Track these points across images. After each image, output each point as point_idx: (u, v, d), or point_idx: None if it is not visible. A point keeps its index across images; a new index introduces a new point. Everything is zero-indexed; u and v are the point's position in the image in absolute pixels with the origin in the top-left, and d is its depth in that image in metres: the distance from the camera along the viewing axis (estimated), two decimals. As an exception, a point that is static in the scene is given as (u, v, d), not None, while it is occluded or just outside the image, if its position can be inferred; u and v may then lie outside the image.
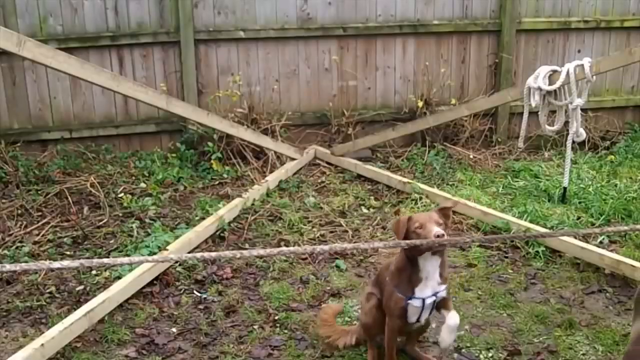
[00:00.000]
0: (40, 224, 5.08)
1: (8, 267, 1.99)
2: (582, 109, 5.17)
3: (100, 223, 5.12)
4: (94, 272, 4.43)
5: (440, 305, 3.26)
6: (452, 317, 3.20)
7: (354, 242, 4.91)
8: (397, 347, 3.44)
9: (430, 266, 3.14)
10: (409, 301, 3.18)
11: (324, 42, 6.70)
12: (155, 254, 4.42)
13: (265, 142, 6.20)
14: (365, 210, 5.48)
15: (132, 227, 5.00)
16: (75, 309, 3.83)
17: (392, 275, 3.24)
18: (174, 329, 3.86)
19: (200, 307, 4.09)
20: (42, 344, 3.39)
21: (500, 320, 3.95)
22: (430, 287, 3.17)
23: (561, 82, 4.96)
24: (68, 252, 4.70)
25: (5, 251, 4.64)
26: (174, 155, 6.32)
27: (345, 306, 4.06)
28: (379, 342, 3.48)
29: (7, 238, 4.85)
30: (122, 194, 5.57)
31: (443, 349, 3.40)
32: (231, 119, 6.19)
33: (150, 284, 4.23)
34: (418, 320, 3.28)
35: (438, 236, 2.97)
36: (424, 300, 3.17)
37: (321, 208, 5.49)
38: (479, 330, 3.84)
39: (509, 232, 4.88)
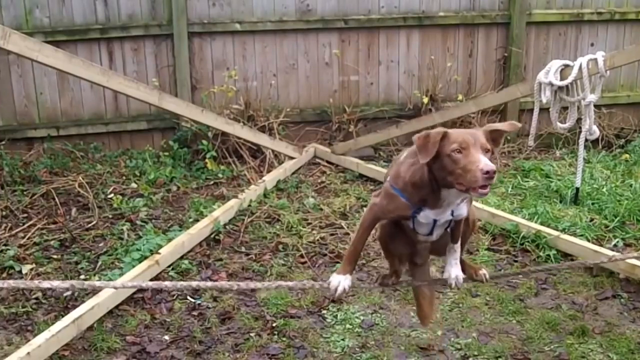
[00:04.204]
0: (26, 226, 5.08)
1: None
2: (595, 106, 5.17)
3: (89, 225, 5.12)
4: (82, 276, 4.43)
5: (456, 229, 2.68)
6: (451, 270, 2.74)
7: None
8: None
9: (455, 197, 2.52)
10: (416, 215, 2.58)
11: (324, 35, 6.70)
12: (146, 257, 4.42)
13: (263, 140, 6.20)
14: (367, 212, 5.48)
15: (122, 229, 5.00)
16: (62, 316, 3.84)
17: (403, 184, 2.55)
18: (166, 337, 3.86)
19: (194, 313, 4.09)
20: (28, 353, 3.39)
21: (510, 327, 3.95)
22: (448, 212, 2.57)
23: (573, 77, 4.96)
24: (55, 256, 4.70)
25: (-11, 255, 4.64)
26: (166, 154, 6.32)
27: (346, 313, 4.07)
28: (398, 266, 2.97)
29: (-9, 241, 4.86)
30: (112, 195, 5.57)
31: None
32: (227, 116, 6.19)
33: (142, 289, 4.23)
34: (429, 234, 2.69)
35: (487, 172, 2.27)
36: (435, 220, 2.59)
37: (321, 209, 5.49)
38: (487, 337, 3.84)
39: (518, 235, 4.88)
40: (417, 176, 2.50)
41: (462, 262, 3.00)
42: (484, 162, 2.29)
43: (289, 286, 3.17)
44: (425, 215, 2.57)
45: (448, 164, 2.37)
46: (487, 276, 2.90)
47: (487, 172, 2.27)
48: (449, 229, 2.70)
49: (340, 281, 2.68)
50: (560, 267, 4.15)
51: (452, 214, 2.58)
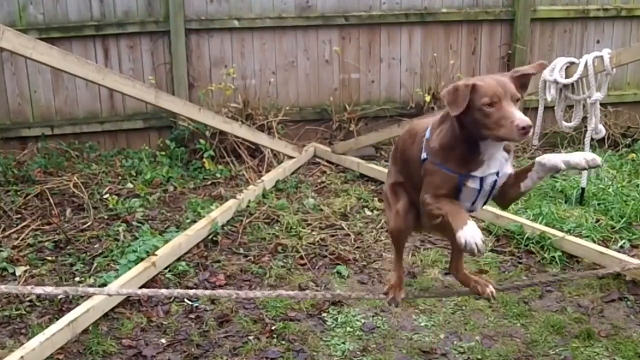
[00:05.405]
0: (19, 227, 5.08)
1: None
2: (601, 104, 5.16)
3: (84, 226, 5.12)
4: (77, 278, 4.43)
5: (508, 184, 2.61)
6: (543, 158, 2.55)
7: (357, 247, 4.91)
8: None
9: (494, 148, 2.50)
10: (465, 181, 2.53)
11: (324, 32, 6.71)
12: (143, 259, 4.42)
13: (261, 139, 6.21)
14: (368, 213, 5.48)
15: (118, 230, 5.00)
16: (57, 319, 3.83)
17: (435, 153, 2.55)
18: (163, 340, 3.86)
19: (192, 316, 4.09)
20: (22, 356, 3.39)
21: (514, 330, 3.95)
22: (493, 166, 2.53)
23: (579, 75, 4.95)
24: (49, 258, 4.70)
25: (-18, 256, 4.64)
26: (163, 153, 6.32)
27: (347, 316, 4.07)
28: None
29: (-16, 242, 4.85)
30: (108, 195, 5.57)
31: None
32: (224, 115, 6.19)
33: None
34: (472, 205, 2.65)
35: (523, 128, 2.28)
36: (482, 179, 2.53)
37: (321, 210, 5.49)
38: (490, 341, 3.84)
39: (522, 236, 4.88)
40: (448, 137, 2.51)
41: (466, 276, 3.06)
42: (519, 118, 2.29)
43: (289, 296, 3.15)
44: (473, 179, 2.53)
45: (480, 117, 2.38)
46: (494, 293, 2.92)
47: (524, 128, 2.28)
48: (492, 194, 2.63)
49: (471, 234, 2.39)
50: (572, 277, 4.14)
51: (497, 175, 2.55)
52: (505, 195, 2.68)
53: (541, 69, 2.58)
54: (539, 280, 4.03)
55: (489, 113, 2.35)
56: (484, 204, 2.71)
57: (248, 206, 5.46)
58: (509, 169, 2.58)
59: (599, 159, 2.44)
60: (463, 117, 2.41)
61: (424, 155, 2.61)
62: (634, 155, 6.54)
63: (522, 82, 2.49)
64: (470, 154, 2.50)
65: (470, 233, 2.40)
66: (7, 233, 4.99)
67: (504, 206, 2.89)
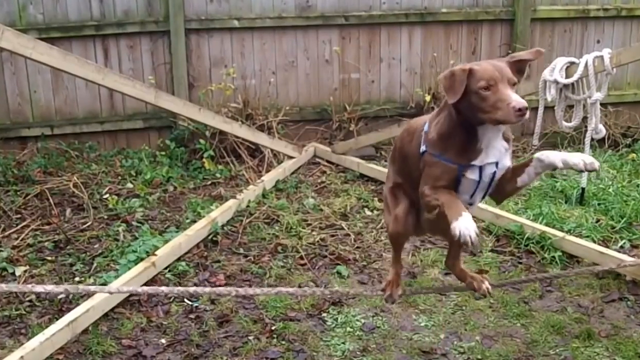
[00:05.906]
0: (19, 227, 5.08)
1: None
2: (601, 104, 5.16)
3: (84, 226, 5.12)
4: (77, 278, 4.44)
5: (505, 178, 2.60)
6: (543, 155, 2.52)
7: (357, 247, 4.91)
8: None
9: (492, 133, 2.51)
10: (464, 172, 2.54)
11: (324, 32, 6.71)
12: (142, 259, 4.42)
13: (261, 139, 6.21)
14: (368, 213, 5.48)
15: (118, 230, 5.00)
16: (57, 319, 3.83)
17: (434, 144, 2.57)
18: (163, 340, 3.86)
19: (192, 316, 4.09)
20: (22, 356, 3.39)
21: (514, 330, 3.95)
22: (492, 155, 2.53)
23: (579, 75, 4.95)
24: (49, 258, 4.70)
25: (-18, 256, 4.64)
26: (163, 153, 6.33)
27: (347, 316, 4.07)
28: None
29: (-16, 242, 4.86)
30: (108, 195, 5.57)
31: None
32: (224, 115, 6.19)
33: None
34: (471, 198, 2.65)
35: (519, 110, 2.31)
36: (481, 168, 2.53)
37: (321, 210, 5.49)
38: (490, 341, 3.84)
39: (522, 236, 4.88)
40: (445, 125, 2.53)
41: (463, 271, 3.06)
42: (515, 99, 2.32)
43: (289, 292, 3.16)
44: (472, 170, 2.54)
45: (477, 101, 2.40)
46: (490, 289, 2.94)
47: (520, 110, 2.31)
48: (491, 187, 2.64)
49: (465, 225, 2.41)
50: (568, 274, 4.14)
51: (497, 166, 2.55)
52: (501, 189, 2.69)
53: (538, 55, 2.57)
54: (535, 276, 4.05)
55: (485, 96, 2.37)
56: (483, 197, 2.71)
57: (248, 206, 5.46)
58: (508, 162, 2.59)
59: (597, 164, 2.44)
60: (460, 102, 2.43)
61: (422, 148, 2.62)
62: (634, 155, 6.54)
63: (518, 67, 2.51)
64: (469, 141, 2.51)
65: (464, 224, 2.41)
66: (7, 233, 4.99)
67: (499, 201, 2.89)
